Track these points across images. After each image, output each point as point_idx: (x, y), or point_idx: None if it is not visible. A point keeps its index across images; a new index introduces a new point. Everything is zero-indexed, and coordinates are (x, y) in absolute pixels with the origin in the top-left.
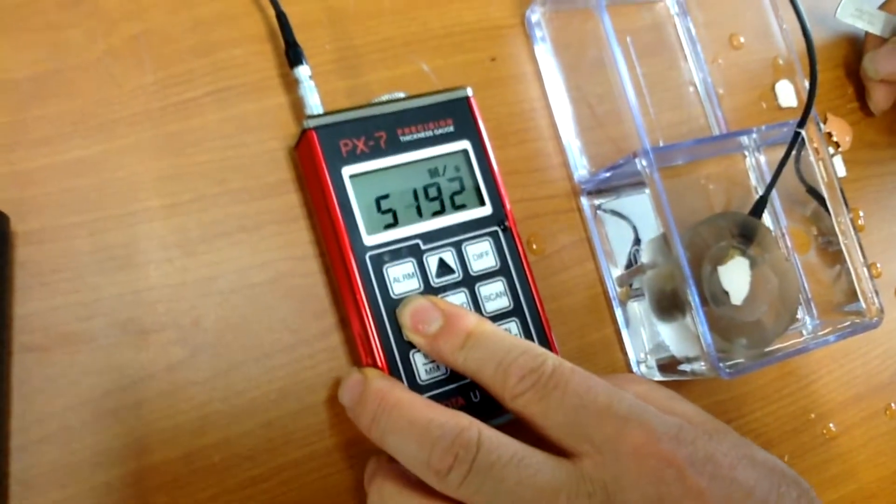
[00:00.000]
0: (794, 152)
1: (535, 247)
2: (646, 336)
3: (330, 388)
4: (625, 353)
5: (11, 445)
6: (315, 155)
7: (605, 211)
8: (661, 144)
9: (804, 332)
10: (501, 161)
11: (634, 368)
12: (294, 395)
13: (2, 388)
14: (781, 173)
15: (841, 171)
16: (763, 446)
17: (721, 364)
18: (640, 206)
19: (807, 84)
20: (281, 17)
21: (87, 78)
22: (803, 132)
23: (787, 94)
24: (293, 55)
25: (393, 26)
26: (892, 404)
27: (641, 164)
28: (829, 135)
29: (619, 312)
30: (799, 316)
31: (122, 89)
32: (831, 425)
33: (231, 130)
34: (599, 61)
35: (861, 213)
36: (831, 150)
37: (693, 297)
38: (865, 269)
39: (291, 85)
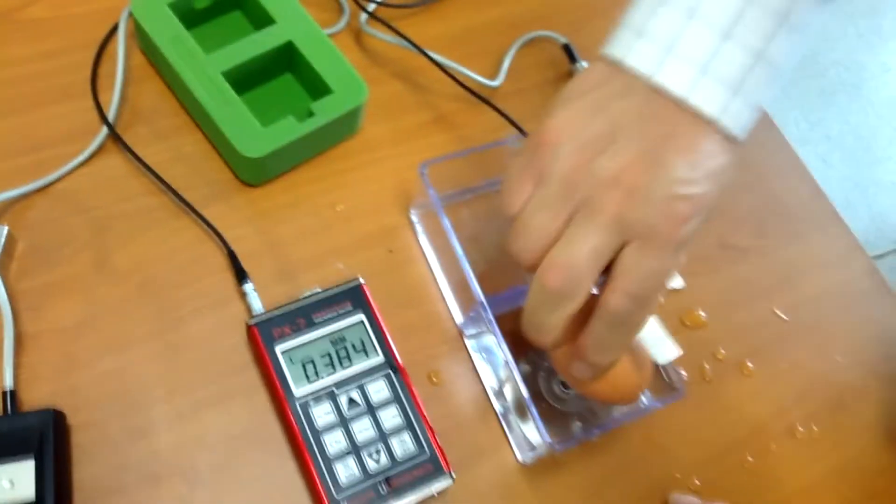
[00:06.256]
0: None
1: (434, 380)
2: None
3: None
4: (511, 449)
5: None
6: (256, 341)
7: (479, 345)
8: None
9: (642, 406)
10: (403, 322)
11: (519, 458)
12: None
13: None
14: None
15: (678, 283)
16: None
17: (552, 440)
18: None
19: None
20: (231, 254)
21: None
22: None
23: None
24: (240, 277)
25: (316, 244)
26: (749, 457)
27: (479, 313)
28: None
29: (502, 419)
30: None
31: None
32: (696, 481)
33: (208, 334)
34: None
35: (702, 313)
36: None
37: (529, 405)
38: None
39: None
